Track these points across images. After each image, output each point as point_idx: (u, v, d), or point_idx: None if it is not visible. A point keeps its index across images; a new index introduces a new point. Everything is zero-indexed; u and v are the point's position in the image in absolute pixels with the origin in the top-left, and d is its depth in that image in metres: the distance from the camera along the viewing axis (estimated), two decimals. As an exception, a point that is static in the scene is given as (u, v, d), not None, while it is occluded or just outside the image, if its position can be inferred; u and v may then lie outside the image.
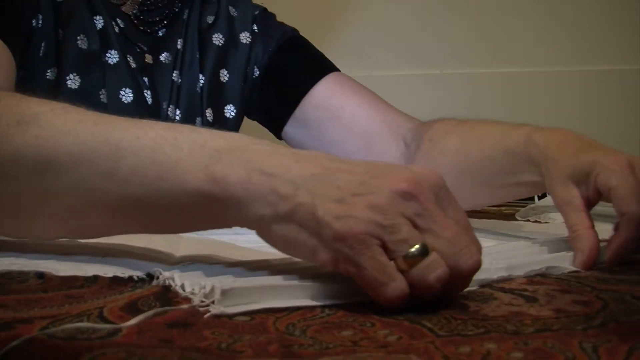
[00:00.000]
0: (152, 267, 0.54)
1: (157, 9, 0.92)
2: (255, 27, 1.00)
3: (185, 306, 0.45)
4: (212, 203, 0.48)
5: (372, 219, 0.43)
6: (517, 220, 0.99)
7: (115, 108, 0.85)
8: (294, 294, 0.47)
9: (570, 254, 0.62)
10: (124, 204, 0.51)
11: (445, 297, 0.46)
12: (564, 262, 0.61)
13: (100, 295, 0.49)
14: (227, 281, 0.48)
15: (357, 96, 0.97)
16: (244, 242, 0.67)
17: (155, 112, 0.90)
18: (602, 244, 0.65)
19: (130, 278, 0.53)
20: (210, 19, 0.98)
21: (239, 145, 0.49)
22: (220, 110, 0.97)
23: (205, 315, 0.44)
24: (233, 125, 0.98)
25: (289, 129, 0.99)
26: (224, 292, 0.45)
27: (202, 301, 0.46)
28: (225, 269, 0.55)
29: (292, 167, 0.46)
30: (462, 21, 1.66)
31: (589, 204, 0.65)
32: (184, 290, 0.49)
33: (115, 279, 0.53)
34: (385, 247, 0.44)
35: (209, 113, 0.95)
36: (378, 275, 0.43)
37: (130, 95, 0.87)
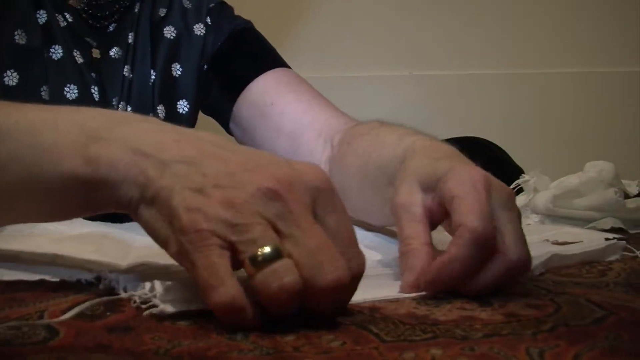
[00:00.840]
0: (102, 271, 0.53)
1: (107, 3, 0.88)
2: (208, 20, 0.95)
3: (125, 309, 0.44)
4: (84, 186, 0.45)
5: (221, 216, 0.40)
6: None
7: (60, 105, 0.82)
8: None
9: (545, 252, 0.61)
10: (2, 192, 0.47)
11: (304, 313, 0.41)
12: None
13: (43, 298, 0.47)
14: (172, 281, 0.47)
15: (292, 94, 0.90)
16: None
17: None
18: (565, 249, 0.65)
19: (78, 281, 0.52)
20: (162, 12, 0.93)
21: (121, 122, 0.46)
22: (172, 106, 0.92)
23: (144, 313, 0.43)
24: (187, 121, 0.93)
25: (232, 126, 0.94)
26: (167, 289, 0.44)
27: (143, 300, 0.45)
28: (176, 271, 0.53)
29: (168, 147, 0.43)
30: (432, 22, 1.66)
31: (431, 217, 0.54)
32: (125, 292, 0.48)
33: (63, 283, 0.51)
34: (234, 248, 0.40)
35: (160, 109, 0.91)
36: (208, 276, 0.39)
37: (76, 91, 0.84)
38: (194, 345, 0.38)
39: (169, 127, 0.46)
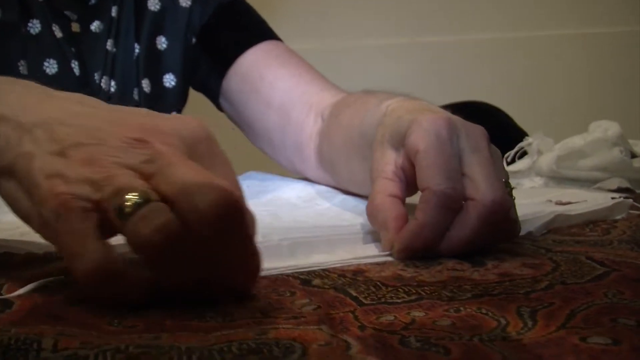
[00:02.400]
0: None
1: None
2: None
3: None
4: None
5: (80, 176, 0.35)
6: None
7: (38, 80, 0.79)
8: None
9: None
10: None
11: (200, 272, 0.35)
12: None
13: (4, 273, 0.44)
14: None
15: (281, 67, 0.86)
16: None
17: (84, 83, 0.84)
18: (569, 208, 0.61)
19: (46, 255, 0.49)
20: None
21: None
22: (158, 80, 0.89)
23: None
24: (175, 96, 0.90)
25: (221, 101, 0.91)
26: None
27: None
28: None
29: (31, 108, 0.39)
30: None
31: (405, 175, 0.50)
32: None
33: (29, 256, 0.49)
34: (101, 208, 0.34)
35: (145, 83, 0.88)
36: (71, 244, 0.34)
37: (55, 66, 0.81)
38: (155, 314, 0.35)
39: (39, 89, 0.42)
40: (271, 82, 0.86)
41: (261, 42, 0.90)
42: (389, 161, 0.50)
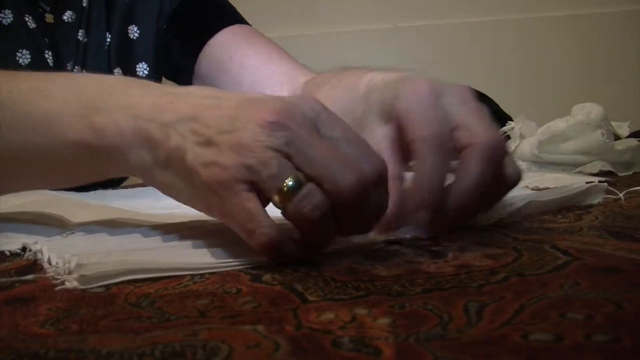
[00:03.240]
0: (32, 238, 0.50)
1: None
2: None
3: (30, 277, 0.40)
4: (93, 154, 0.46)
5: (237, 162, 0.40)
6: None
7: (12, 70, 0.79)
8: (168, 263, 0.41)
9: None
10: (2, 161, 0.48)
11: (343, 231, 0.42)
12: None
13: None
14: (98, 254, 0.42)
15: (249, 48, 0.87)
16: (161, 208, 0.62)
17: None
18: (542, 194, 0.60)
19: (2, 253, 0.48)
20: None
21: (113, 90, 0.46)
22: (131, 69, 0.90)
23: (56, 289, 0.38)
24: None
25: (195, 84, 0.91)
26: (80, 266, 0.40)
27: (56, 274, 0.40)
28: (116, 238, 0.49)
29: (165, 109, 0.43)
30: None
31: (399, 148, 0.49)
32: (50, 264, 0.43)
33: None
34: (257, 187, 0.40)
35: (117, 72, 0.88)
36: (246, 222, 0.40)
37: (28, 56, 0.81)
38: (90, 314, 0.34)
39: (157, 88, 0.46)
40: (240, 61, 0.87)
41: (229, 27, 0.90)
42: (379, 135, 0.50)
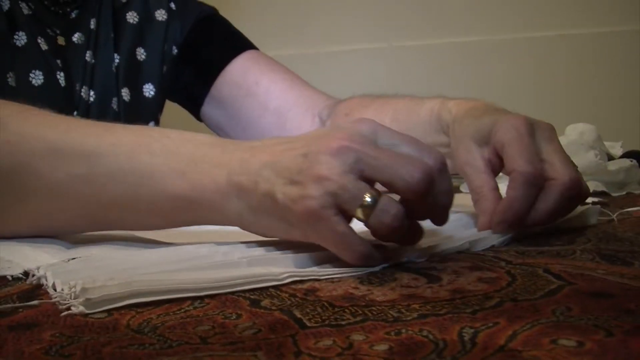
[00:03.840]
0: (37, 263, 0.50)
1: None
2: (172, 5, 0.97)
3: (34, 302, 0.41)
4: (191, 206, 0.51)
5: (321, 192, 0.45)
6: (461, 192, 0.94)
7: (25, 91, 0.81)
8: (172, 283, 0.42)
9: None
10: (102, 206, 0.53)
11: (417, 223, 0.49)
12: (489, 236, 0.56)
13: (-43, 295, 0.44)
14: (102, 278, 0.43)
15: (272, 73, 0.95)
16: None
17: (68, 95, 0.85)
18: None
19: (4, 278, 0.49)
20: None
21: (206, 149, 0.51)
22: (138, 90, 0.93)
23: (62, 314, 0.39)
24: (153, 105, 0.94)
25: (207, 108, 0.97)
26: (86, 290, 0.40)
27: (62, 300, 0.41)
28: (118, 261, 0.50)
29: (250, 161, 0.49)
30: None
31: (492, 167, 0.60)
32: (55, 290, 0.44)
33: (-14, 278, 0.48)
34: (342, 208, 0.45)
35: (125, 92, 0.91)
36: (339, 243, 0.46)
37: (41, 77, 0.83)
38: (94, 341, 0.34)
39: (241, 144, 0.51)
40: (267, 86, 0.94)
41: (244, 52, 0.97)
42: (477, 157, 0.60)
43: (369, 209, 0.45)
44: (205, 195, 0.50)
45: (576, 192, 0.56)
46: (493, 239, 0.55)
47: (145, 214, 0.53)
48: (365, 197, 0.45)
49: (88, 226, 0.57)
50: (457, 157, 0.63)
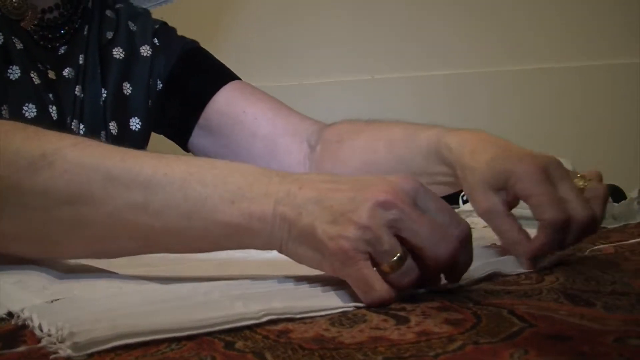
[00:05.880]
0: (21, 303, 0.51)
1: (56, 25, 0.91)
2: (156, 41, 1.00)
3: (22, 348, 0.42)
4: (238, 233, 0.54)
5: (358, 236, 0.49)
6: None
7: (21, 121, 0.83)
8: (156, 325, 0.44)
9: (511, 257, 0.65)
10: (155, 233, 0.55)
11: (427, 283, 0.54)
12: (507, 265, 0.63)
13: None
14: (88, 320, 0.45)
15: (259, 102, 0.98)
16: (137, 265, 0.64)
17: (61, 128, 0.87)
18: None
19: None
20: (109, 34, 0.97)
21: (254, 180, 0.55)
22: (125, 123, 0.96)
23: (51, 357, 0.41)
24: (139, 138, 0.97)
25: (195, 139, 1.00)
26: (73, 334, 0.42)
27: (49, 343, 0.43)
28: (101, 302, 0.52)
29: (297, 194, 0.53)
30: (391, 23, 1.63)
31: (509, 207, 0.67)
32: (42, 331, 0.45)
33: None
34: (372, 256, 0.50)
35: (112, 126, 0.94)
36: (364, 285, 0.50)
37: (34, 110, 0.85)
38: (73, 385, 0.36)
39: (288, 177, 0.55)
40: (255, 114, 0.97)
41: (230, 82, 1.00)
42: (497, 202, 0.66)
43: (393, 267, 0.50)
44: (252, 223, 0.53)
45: (593, 228, 0.64)
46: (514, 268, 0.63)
47: (195, 239, 0.55)
48: (394, 256, 0.50)
49: (139, 250, 0.59)
50: (477, 204, 0.68)
